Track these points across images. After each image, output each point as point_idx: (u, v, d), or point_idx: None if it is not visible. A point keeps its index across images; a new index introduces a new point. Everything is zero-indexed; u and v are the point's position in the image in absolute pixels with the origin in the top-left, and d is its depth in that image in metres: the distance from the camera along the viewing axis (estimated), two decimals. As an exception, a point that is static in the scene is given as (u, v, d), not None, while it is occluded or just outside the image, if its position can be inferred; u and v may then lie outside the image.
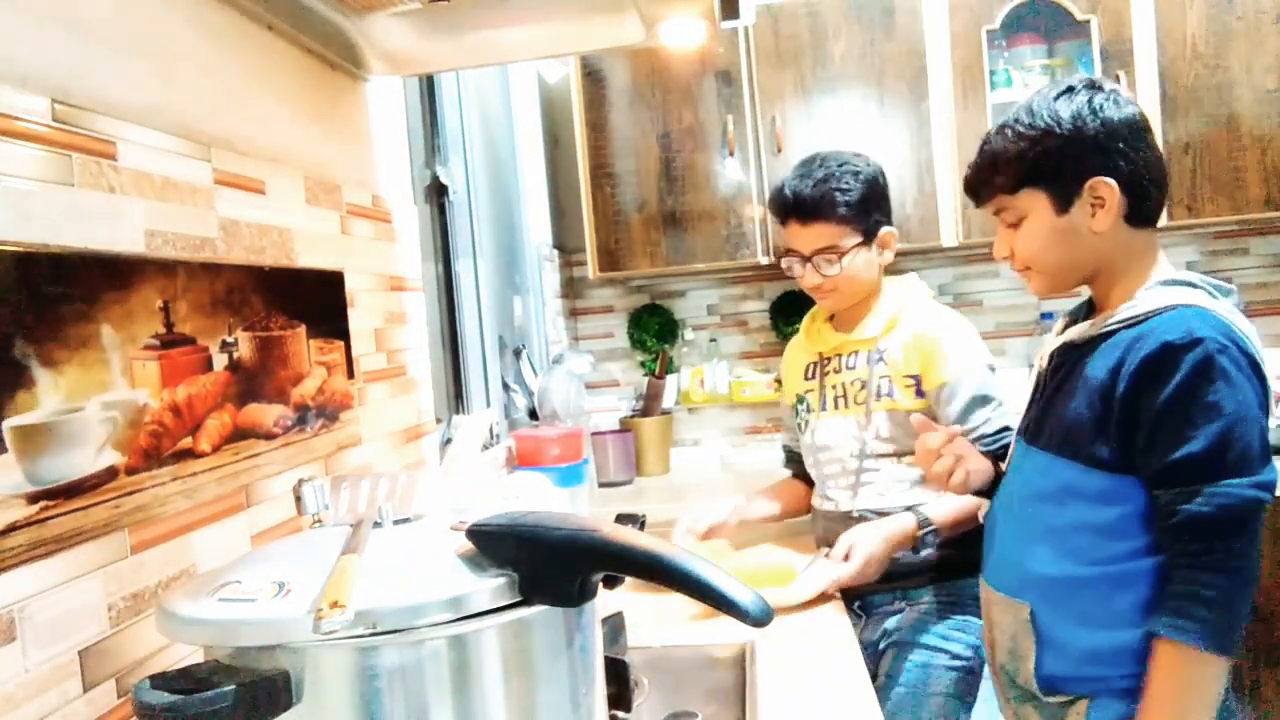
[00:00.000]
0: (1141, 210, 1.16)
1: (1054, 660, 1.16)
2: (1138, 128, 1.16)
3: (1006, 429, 1.55)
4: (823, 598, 1.50)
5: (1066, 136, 1.14)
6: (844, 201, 1.61)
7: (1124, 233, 1.16)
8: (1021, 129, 1.17)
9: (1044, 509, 1.18)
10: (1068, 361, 1.20)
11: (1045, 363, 1.26)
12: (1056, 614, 1.15)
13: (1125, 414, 1.09)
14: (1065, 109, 1.15)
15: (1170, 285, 1.14)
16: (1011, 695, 1.25)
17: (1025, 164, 1.17)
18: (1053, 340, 1.26)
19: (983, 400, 1.56)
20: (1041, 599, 1.17)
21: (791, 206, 1.64)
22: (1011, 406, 1.57)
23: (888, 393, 1.63)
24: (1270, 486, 1.05)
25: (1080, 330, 1.19)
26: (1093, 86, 1.16)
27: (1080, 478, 1.14)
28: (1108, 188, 1.13)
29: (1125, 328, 1.12)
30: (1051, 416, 1.20)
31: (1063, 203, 1.16)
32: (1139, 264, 1.18)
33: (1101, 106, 1.14)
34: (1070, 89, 1.17)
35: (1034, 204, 1.18)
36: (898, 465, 1.63)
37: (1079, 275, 1.21)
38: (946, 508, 1.54)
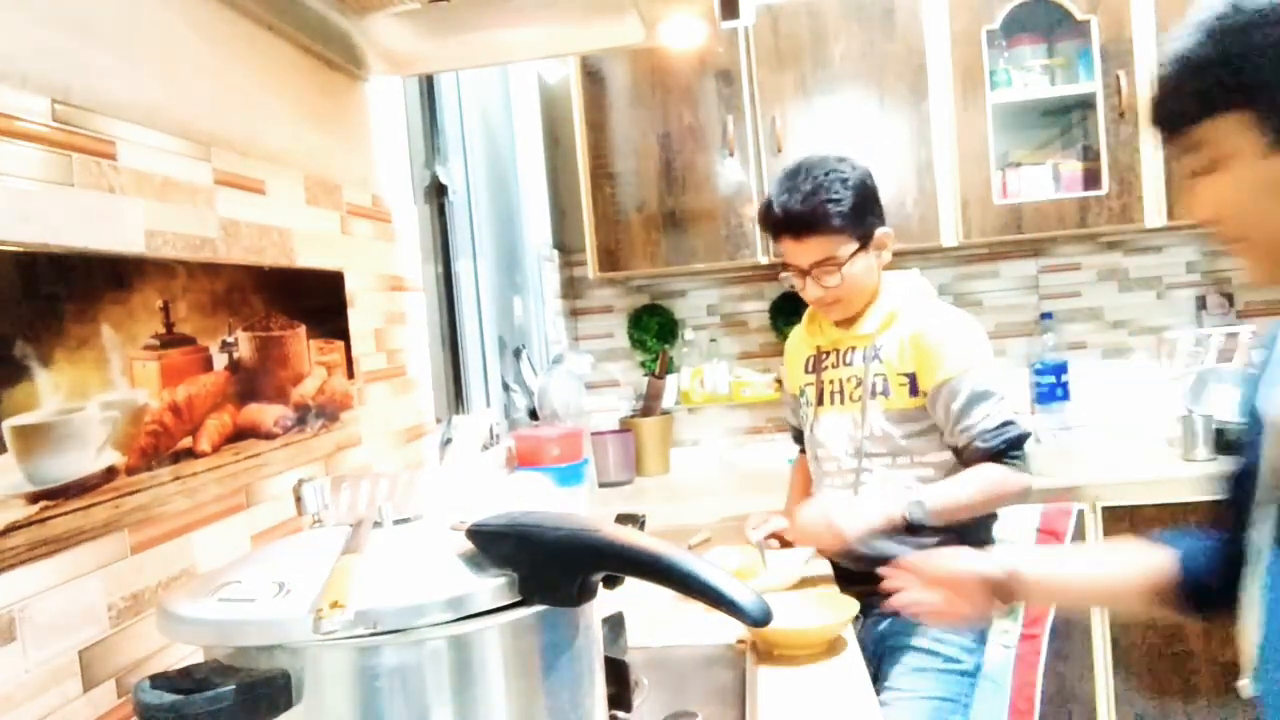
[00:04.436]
0: None
1: None
2: None
3: (1009, 423, 1.54)
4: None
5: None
6: (837, 212, 1.58)
7: None
8: (1220, 22, 0.79)
9: None
10: None
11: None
12: None
13: None
14: None
15: None
16: None
17: (1222, 73, 0.80)
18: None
19: (983, 396, 1.56)
20: None
21: (783, 223, 1.61)
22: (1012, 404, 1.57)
23: (882, 390, 1.62)
24: None
25: None
26: None
27: None
28: None
29: None
30: None
31: (1275, 133, 0.79)
32: None
33: None
34: None
35: (1235, 137, 0.81)
36: (893, 463, 1.63)
37: None
38: (943, 490, 1.54)
